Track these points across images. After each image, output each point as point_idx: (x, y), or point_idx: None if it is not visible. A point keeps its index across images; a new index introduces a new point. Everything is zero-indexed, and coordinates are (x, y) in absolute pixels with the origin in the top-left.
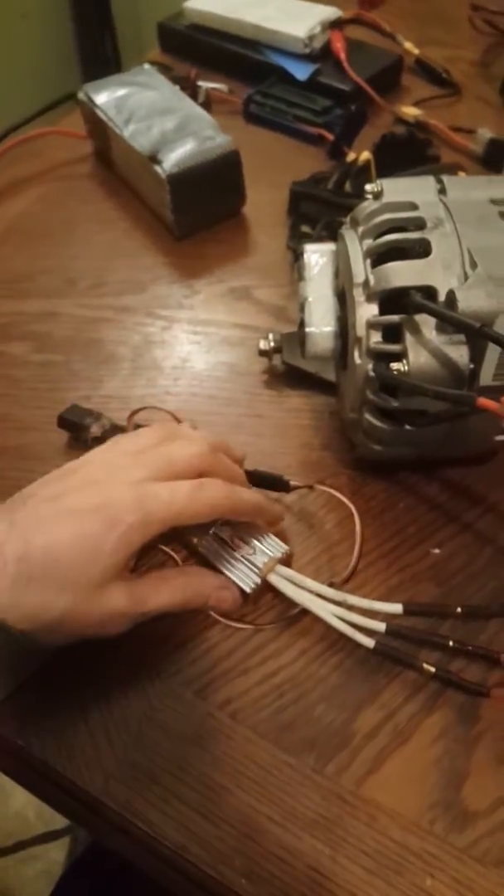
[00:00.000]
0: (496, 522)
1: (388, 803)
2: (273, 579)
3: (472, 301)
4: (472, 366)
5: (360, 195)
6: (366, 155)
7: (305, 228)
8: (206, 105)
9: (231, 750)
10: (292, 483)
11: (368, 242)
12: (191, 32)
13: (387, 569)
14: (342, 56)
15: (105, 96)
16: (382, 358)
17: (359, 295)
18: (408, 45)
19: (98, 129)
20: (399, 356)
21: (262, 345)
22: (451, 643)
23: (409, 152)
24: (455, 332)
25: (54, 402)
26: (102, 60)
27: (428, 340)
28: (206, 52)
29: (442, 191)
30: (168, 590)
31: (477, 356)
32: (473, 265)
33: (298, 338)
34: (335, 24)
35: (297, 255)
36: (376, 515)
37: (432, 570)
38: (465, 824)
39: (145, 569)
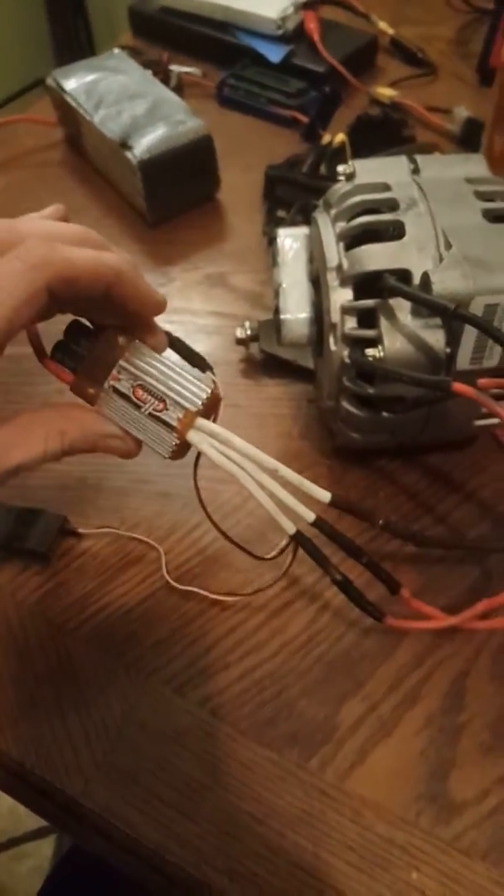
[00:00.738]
0: (475, 510)
1: (372, 797)
2: (194, 439)
3: (447, 283)
4: (448, 349)
5: (335, 178)
6: (341, 137)
7: (282, 213)
8: (178, 89)
9: (212, 747)
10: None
11: (341, 225)
12: (162, 16)
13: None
14: (315, 37)
15: (74, 82)
16: (358, 344)
17: (332, 280)
18: (382, 24)
19: (68, 116)
20: (374, 342)
21: (239, 333)
22: (364, 560)
23: (384, 133)
24: (431, 316)
25: (26, 397)
26: (76, 46)
27: (403, 325)
28: (177, 36)
29: (415, 171)
30: (37, 440)
31: (453, 339)
32: (448, 246)
33: (274, 325)
34: (308, 5)
35: (271, 240)
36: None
37: (407, 565)
38: (452, 816)
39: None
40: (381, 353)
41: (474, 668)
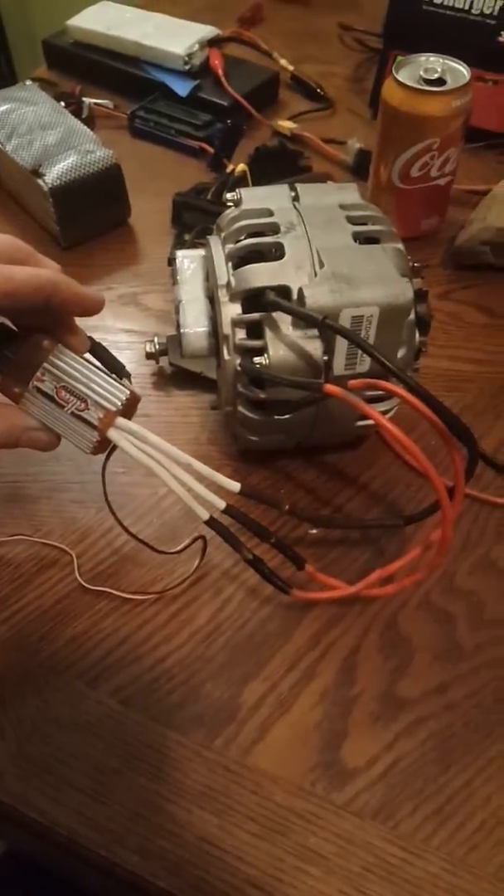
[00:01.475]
0: (367, 500)
1: (272, 770)
2: (114, 436)
3: (318, 297)
4: (325, 357)
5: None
6: (242, 167)
7: (189, 237)
8: (90, 120)
9: (123, 734)
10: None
11: (230, 247)
12: (75, 49)
13: (268, 551)
14: (220, 72)
15: None
16: (248, 353)
17: (223, 296)
18: (283, 61)
19: None
20: (261, 351)
21: (149, 348)
22: (272, 540)
23: (282, 163)
24: (308, 327)
25: None
26: None
27: (286, 335)
28: (90, 69)
29: (296, 198)
30: None
31: (329, 348)
32: (322, 264)
33: (177, 339)
34: (213, 42)
35: (171, 261)
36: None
37: (311, 549)
38: (345, 782)
39: None
40: (267, 361)
41: (364, 644)
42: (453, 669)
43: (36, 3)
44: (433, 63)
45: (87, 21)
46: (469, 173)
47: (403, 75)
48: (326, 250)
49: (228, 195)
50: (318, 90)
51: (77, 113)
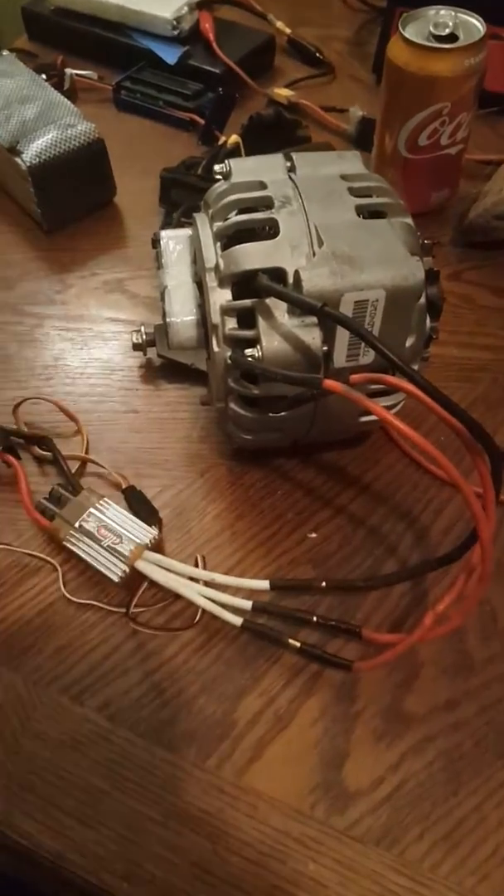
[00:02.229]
0: (369, 503)
1: (269, 791)
2: (141, 566)
3: (316, 281)
4: (325, 347)
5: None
6: (234, 138)
7: (176, 215)
8: (71, 92)
9: (110, 752)
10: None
11: (218, 225)
12: (56, 17)
13: (266, 556)
14: (211, 37)
15: None
16: (238, 344)
17: (211, 280)
18: (280, 24)
19: None
20: (253, 341)
21: (135, 338)
22: (315, 618)
23: (278, 134)
24: (305, 315)
25: None
26: None
27: (281, 324)
28: (73, 38)
29: (292, 168)
30: None
31: (329, 337)
32: (321, 243)
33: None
34: (203, 5)
35: (154, 243)
36: (255, 504)
37: (310, 554)
38: (346, 805)
39: None
40: (260, 353)
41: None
42: (463, 684)
43: None
44: (444, 17)
45: None
46: (482, 142)
47: (411, 31)
48: (326, 227)
49: (216, 167)
50: (318, 55)
51: (59, 86)
